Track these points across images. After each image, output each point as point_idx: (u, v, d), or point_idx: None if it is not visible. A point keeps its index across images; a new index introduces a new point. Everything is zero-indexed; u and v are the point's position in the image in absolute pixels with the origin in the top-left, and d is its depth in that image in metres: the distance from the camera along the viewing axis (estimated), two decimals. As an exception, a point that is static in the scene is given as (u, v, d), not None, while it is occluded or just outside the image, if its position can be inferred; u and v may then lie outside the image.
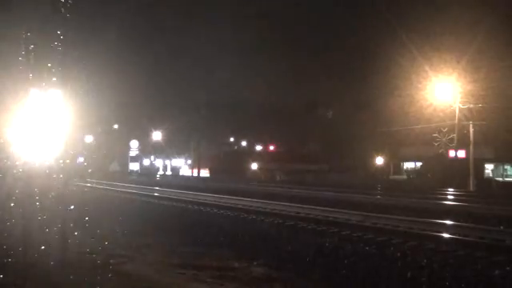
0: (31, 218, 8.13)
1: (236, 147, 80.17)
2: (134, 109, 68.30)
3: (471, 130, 39.14)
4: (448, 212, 17.38)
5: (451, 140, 40.46)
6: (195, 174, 66.32)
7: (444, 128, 41.12)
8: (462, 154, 41.86)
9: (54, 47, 7.87)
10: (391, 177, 58.54)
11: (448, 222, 13.69)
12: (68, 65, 8.16)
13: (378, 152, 58.63)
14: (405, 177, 57.75)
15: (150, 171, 75.89)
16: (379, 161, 59.36)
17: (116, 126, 67.55)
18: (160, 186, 32.21)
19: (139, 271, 9.00)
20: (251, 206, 18.32)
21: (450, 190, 32.44)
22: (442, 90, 39.48)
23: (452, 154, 41.30)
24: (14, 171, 8.02)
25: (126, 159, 76.98)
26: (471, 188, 37.71)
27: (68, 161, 8.49)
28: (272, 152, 72.60)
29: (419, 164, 57.62)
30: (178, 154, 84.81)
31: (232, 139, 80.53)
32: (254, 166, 65.72)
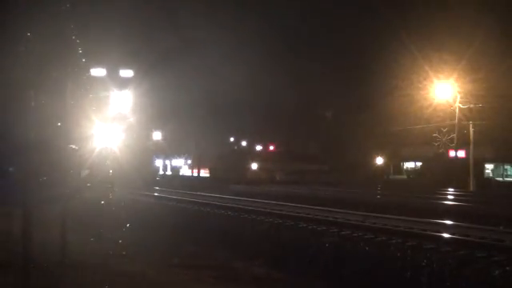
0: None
1: (236, 147, 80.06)
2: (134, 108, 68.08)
3: (471, 129, 39.15)
4: (448, 212, 17.39)
5: (451, 140, 40.47)
6: (195, 174, 66.27)
7: (444, 128, 41.13)
8: (461, 153, 41.86)
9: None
10: (391, 177, 58.53)
11: (448, 222, 13.71)
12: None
13: (378, 152, 58.63)
14: (405, 177, 57.75)
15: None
16: (379, 161, 59.36)
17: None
18: (161, 187, 32.19)
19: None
20: (251, 206, 18.32)
21: (450, 190, 32.44)
22: (442, 90, 39.50)
23: (452, 153, 41.32)
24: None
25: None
26: (471, 188, 37.72)
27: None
28: (272, 152, 72.55)
29: (419, 164, 57.62)
30: (178, 153, 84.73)
31: (232, 139, 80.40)
32: (254, 166, 65.68)
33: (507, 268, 8.60)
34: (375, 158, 59.18)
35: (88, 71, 7.26)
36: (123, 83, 7.15)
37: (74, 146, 7.28)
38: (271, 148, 74.16)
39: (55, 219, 9.31)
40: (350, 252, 10.17)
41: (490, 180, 46.41)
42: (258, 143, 76.21)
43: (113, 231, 10.94)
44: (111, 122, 7.23)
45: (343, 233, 12.10)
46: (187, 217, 16.01)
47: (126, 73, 7.01)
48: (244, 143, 79.72)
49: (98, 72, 7.09)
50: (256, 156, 69.45)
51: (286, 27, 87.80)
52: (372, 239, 11.28)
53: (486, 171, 52.06)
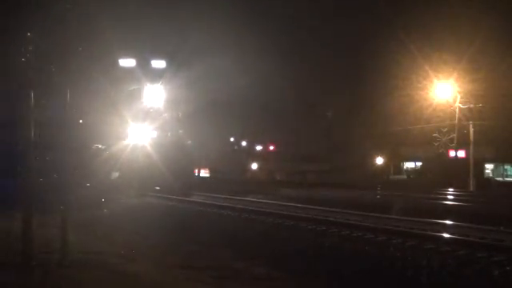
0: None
1: (236, 147, 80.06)
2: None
3: (471, 129, 39.19)
4: (448, 212, 17.40)
5: (451, 140, 40.51)
6: (195, 174, 66.24)
7: (444, 128, 41.16)
8: (461, 154, 41.89)
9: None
10: (391, 177, 58.53)
11: (448, 222, 13.73)
12: None
13: (378, 152, 58.64)
14: (405, 177, 57.76)
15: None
16: (379, 161, 59.36)
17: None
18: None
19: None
20: (250, 206, 18.36)
21: (449, 190, 32.46)
22: (442, 90, 39.54)
23: (452, 154, 41.35)
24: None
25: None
26: (471, 188, 37.73)
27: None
28: (272, 152, 72.57)
29: (419, 164, 57.65)
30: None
31: (232, 139, 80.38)
32: (254, 165, 65.71)
33: (507, 268, 8.61)
34: (375, 158, 59.20)
35: (116, 63, 6.71)
36: (155, 75, 6.40)
37: (100, 146, 6.76)
38: (271, 148, 74.18)
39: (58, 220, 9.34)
40: (349, 252, 10.18)
41: (489, 180, 46.45)
42: (258, 143, 76.21)
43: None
44: (143, 119, 6.52)
45: (343, 233, 12.12)
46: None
47: (158, 63, 6.29)
48: (244, 143, 79.71)
49: (128, 63, 6.35)
50: (256, 156, 69.50)
51: (286, 27, 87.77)
52: (372, 239, 11.30)
53: (486, 171, 52.10)
